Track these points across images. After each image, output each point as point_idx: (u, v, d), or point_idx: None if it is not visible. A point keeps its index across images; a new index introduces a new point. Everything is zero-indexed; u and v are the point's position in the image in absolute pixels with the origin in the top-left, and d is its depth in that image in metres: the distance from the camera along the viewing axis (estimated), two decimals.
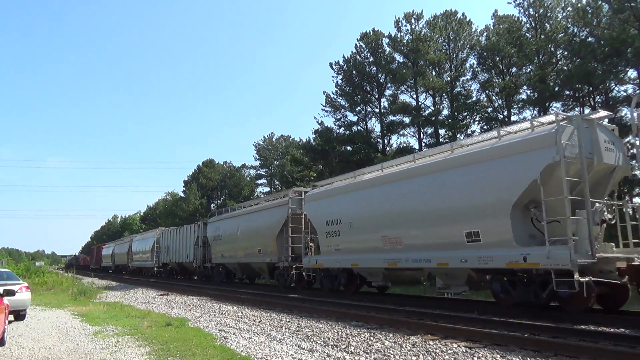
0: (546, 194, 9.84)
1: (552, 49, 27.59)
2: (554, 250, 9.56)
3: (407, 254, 13.19)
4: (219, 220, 27.74)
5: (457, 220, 11.66)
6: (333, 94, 37.03)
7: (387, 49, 34.58)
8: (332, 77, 37.30)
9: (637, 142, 10.13)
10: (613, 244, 10.66)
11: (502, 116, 30.33)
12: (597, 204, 10.08)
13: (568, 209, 9.52)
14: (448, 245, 11.89)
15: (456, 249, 11.62)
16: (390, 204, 13.83)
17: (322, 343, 8.41)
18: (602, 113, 10.93)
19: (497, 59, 29.65)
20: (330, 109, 37.36)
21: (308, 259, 17.71)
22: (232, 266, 25.74)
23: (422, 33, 32.31)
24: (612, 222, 10.50)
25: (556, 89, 25.50)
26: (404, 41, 33.00)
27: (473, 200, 11.31)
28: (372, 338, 8.57)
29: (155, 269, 38.10)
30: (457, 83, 32.08)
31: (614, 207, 10.62)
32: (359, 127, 36.70)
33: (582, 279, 9.06)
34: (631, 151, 12.24)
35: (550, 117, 10.91)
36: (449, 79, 31.98)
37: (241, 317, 12.35)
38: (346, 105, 36.70)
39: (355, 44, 35.80)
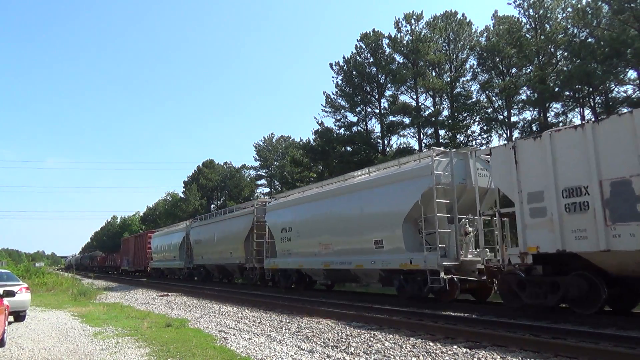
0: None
1: (552, 49, 27.60)
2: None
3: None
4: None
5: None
6: (333, 94, 37.09)
7: (387, 50, 34.62)
8: (332, 77, 37.39)
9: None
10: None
11: (502, 117, 30.36)
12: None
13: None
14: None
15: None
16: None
17: (322, 344, 8.40)
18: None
19: (497, 59, 29.66)
20: (330, 110, 37.40)
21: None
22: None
23: (422, 34, 32.34)
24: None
25: (556, 89, 25.50)
26: (404, 42, 33.03)
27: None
28: (372, 339, 8.57)
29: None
30: (457, 84, 32.09)
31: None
32: (359, 128, 36.72)
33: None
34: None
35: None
36: (449, 79, 31.98)
37: (241, 318, 12.35)
38: (346, 106, 36.72)
39: (356, 45, 35.89)
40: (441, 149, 13.77)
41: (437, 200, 12.19)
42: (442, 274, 11.82)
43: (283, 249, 18.93)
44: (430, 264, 12.08)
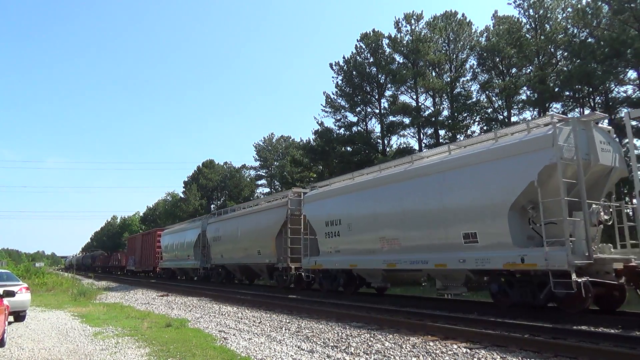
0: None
1: (552, 49, 27.60)
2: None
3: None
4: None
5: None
6: (333, 94, 37.09)
7: (387, 50, 34.62)
8: (332, 77, 37.37)
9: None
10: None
11: (502, 117, 30.35)
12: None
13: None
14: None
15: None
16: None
17: (322, 344, 8.40)
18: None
19: (497, 59, 29.66)
20: (330, 110, 37.40)
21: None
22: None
23: (422, 34, 32.33)
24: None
25: (556, 89, 25.51)
26: (404, 42, 33.03)
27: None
28: (372, 339, 8.57)
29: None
30: (457, 84, 32.09)
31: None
32: (359, 128, 36.73)
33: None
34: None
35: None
36: (449, 79, 31.98)
37: (241, 318, 12.35)
38: (346, 106, 36.72)
39: (356, 45, 35.88)
40: (561, 115, 11.38)
41: (563, 179, 9.57)
42: (573, 276, 9.09)
43: (329, 246, 16.38)
44: (556, 262, 9.38)
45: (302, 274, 18.24)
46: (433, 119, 31.65)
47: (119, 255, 55.32)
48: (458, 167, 11.79)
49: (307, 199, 18.08)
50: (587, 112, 26.79)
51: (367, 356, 7.32)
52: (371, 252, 14.37)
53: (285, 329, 10.15)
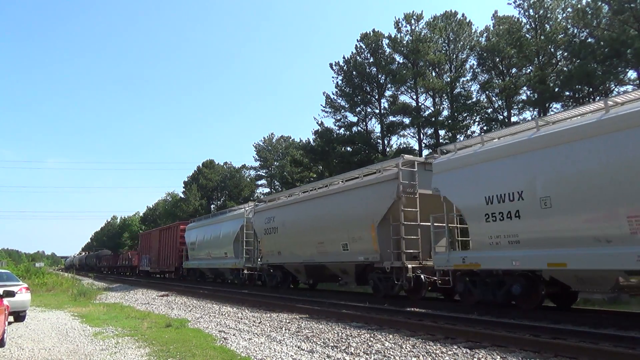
0: None
1: (552, 49, 27.61)
2: None
3: None
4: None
5: None
6: (333, 94, 37.15)
7: (387, 50, 34.68)
8: (332, 77, 37.46)
9: None
10: None
11: (502, 117, 30.37)
12: None
13: None
14: None
15: None
16: None
17: (322, 344, 8.40)
18: None
19: (497, 59, 29.68)
20: (330, 110, 37.46)
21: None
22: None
23: (422, 34, 32.37)
24: None
25: (556, 89, 25.53)
26: (404, 42, 33.07)
27: None
28: (372, 339, 8.57)
29: None
30: (457, 84, 32.13)
31: None
32: (359, 128, 36.79)
33: None
34: None
35: None
36: (449, 79, 32.02)
37: (241, 318, 12.34)
38: (346, 106, 36.79)
39: (356, 45, 35.97)
40: None
41: None
42: None
43: (492, 235, 10.85)
44: None
45: (422, 276, 13.49)
46: (433, 119, 31.68)
47: (130, 254, 48.99)
48: None
49: (439, 167, 12.62)
50: None
51: (367, 356, 7.32)
52: (603, 241, 8.84)
53: (285, 329, 10.14)
